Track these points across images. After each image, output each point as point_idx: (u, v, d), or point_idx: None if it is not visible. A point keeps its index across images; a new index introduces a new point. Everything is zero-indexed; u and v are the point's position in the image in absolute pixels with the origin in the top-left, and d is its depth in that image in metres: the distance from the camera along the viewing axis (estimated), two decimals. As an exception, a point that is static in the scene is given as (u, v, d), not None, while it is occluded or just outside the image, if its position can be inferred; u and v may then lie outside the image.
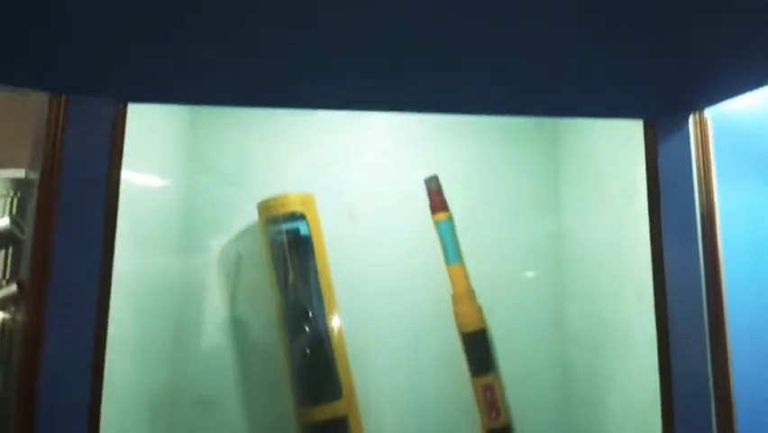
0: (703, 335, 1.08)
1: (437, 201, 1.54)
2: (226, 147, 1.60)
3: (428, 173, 1.52)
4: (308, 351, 1.37)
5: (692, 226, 1.15)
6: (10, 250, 1.05)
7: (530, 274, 1.65)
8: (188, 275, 1.53)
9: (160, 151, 1.41)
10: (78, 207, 1.01)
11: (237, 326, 1.53)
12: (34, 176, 1.11)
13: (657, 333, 1.12)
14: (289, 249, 1.41)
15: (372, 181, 1.64)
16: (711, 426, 1.03)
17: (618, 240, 1.36)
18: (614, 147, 1.39)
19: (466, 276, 1.51)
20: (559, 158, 1.70)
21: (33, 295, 0.97)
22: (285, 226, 1.42)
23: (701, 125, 1.12)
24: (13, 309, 1.02)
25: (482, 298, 1.49)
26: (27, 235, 1.06)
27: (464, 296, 1.50)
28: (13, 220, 1.10)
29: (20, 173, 1.29)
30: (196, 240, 1.55)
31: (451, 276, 1.51)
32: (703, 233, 1.13)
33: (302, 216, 1.44)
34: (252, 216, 1.49)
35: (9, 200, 1.16)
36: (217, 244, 1.56)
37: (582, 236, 1.58)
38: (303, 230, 1.44)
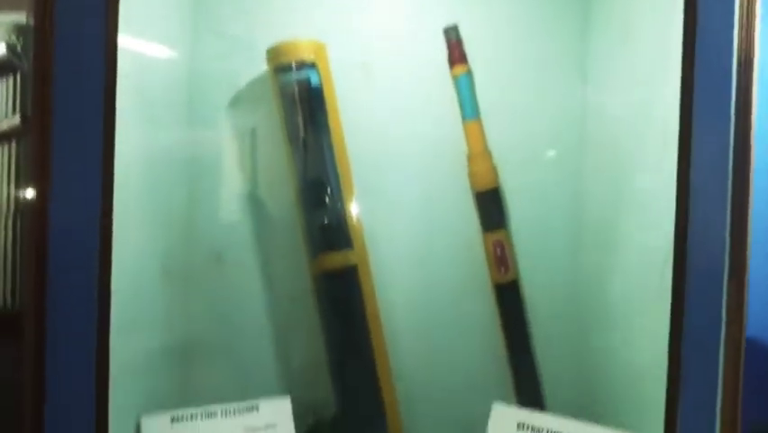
0: (725, 201, 1.05)
1: (456, 53, 1.45)
2: (233, 6, 1.51)
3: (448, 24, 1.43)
4: (319, 201, 1.38)
5: (727, 77, 1.07)
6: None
7: (550, 134, 1.59)
8: (200, 144, 1.52)
9: (160, 12, 1.34)
10: (75, 67, 0.98)
11: (250, 187, 1.54)
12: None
13: (677, 196, 1.08)
14: (300, 100, 1.38)
15: (388, 34, 1.55)
16: (722, 289, 1.03)
17: (645, 101, 1.28)
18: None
19: (482, 134, 1.46)
20: (589, 16, 1.56)
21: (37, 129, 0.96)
22: (295, 76, 1.38)
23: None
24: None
25: (498, 158, 1.46)
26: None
27: (479, 155, 1.46)
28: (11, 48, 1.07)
29: (21, 18, 1.27)
30: (205, 109, 1.51)
31: (467, 133, 1.47)
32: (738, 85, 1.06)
33: (313, 65, 1.38)
34: (264, 84, 1.44)
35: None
36: (228, 113, 1.52)
37: (608, 98, 1.49)
38: (314, 80, 1.39)
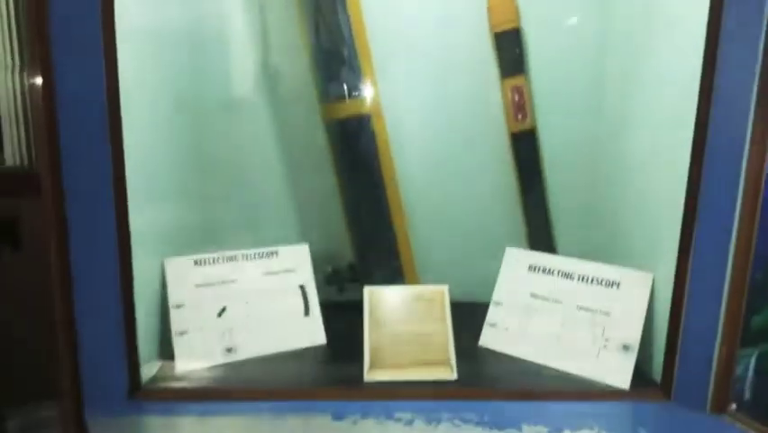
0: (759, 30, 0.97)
1: None
2: None
3: None
4: (331, 46, 1.32)
5: None
6: None
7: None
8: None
9: None
10: None
11: (262, 46, 1.46)
12: None
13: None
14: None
15: None
16: (747, 119, 0.98)
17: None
18: None
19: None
20: None
21: None
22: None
23: None
24: None
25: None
26: None
27: (500, -9, 1.37)
28: None
29: None
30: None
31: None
32: None
33: None
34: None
35: None
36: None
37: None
38: None
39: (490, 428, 0.99)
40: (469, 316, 1.31)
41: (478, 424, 1.00)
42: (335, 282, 1.47)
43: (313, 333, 1.31)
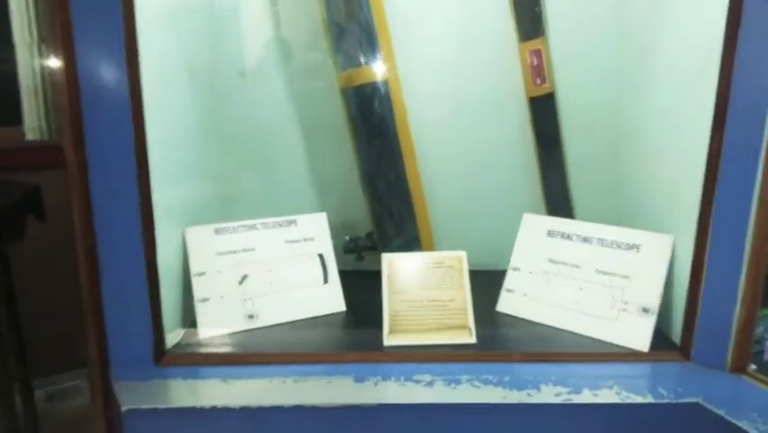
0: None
1: None
2: None
3: None
4: (346, 13, 1.31)
5: None
6: None
7: None
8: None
9: None
10: None
11: (273, 14, 1.45)
12: None
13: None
14: None
15: None
16: None
17: None
18: None
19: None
20: None
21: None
22: None
23: None
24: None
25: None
26: None
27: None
28: None
29: None
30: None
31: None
32: None
33: None
34: None
35: None
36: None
37: None
38: None
39: (510, 388, 1.00)
40: (486, 283, 1.31)
41: (497, 385, 1.02)
42: (353, 251, 1.48)
43: (332, 300, 1.33)
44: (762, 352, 1.05)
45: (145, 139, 1.03)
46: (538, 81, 1.41)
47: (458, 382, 1.02)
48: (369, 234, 1.49)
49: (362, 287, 1.40)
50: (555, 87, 1.44)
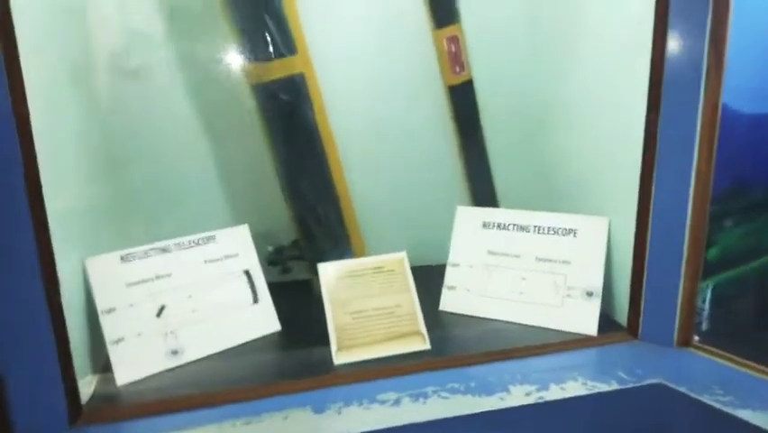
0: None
1: None
2: None
3: None
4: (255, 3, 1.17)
5: None
6: None
7: None
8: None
9: None
10: None
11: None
12: None
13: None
14: None
15: None
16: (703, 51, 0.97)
17: None
18: None
19: None
20: None
21: None
22: None
23: None
24: None
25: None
26: None
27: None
28: None
29: None
30: None
31: None
32: None
33: None
34: None
35: None
36: None
37: None
38: None
39: (479, 394, 0.95)
40: (424, 280, 1.25)
41: (465, 393, 0.96)
42: (278, 262, 1.36)
43: (265, 320, 1.20)
44: (700, 322, 1.09)
45: (36, 160, 0.84)
46: (457, 69, 1.37)
47: (425, 396, 0.95)
48: (294, 243, 1.37)
49: (293, 300, 1.29)
50: (472, 76, 1.41)
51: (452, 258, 1.30)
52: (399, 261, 1.20)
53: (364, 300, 1.15)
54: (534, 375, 1.01)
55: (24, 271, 0.84)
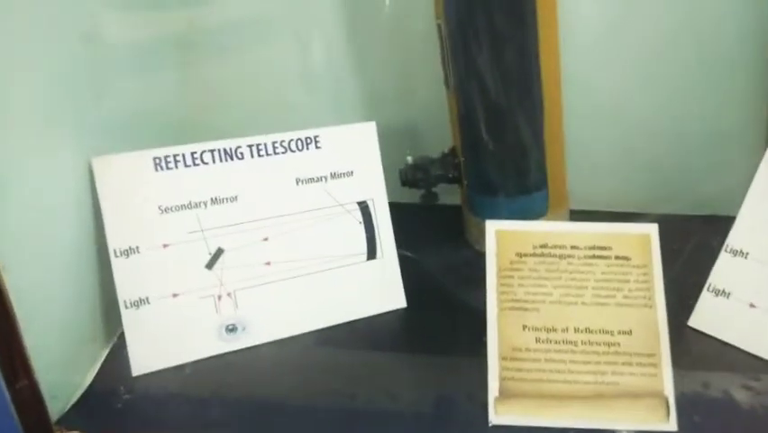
0: None
1: None
2: None
3: None
4: None
5: None
6: None
7: None
8: None
9: None
10: None
11: None
12: None
13: None
14: None
15: None
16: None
17: None
18: None
19: None
20: None
21: None
22: None
23: None
24: None
25: None
26: None
27: None
28: None
29: None
30: None
31: None
32: None
33: None
34: None
35: None
36: None
37: None
38: None
39: None
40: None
41: None
42: (419, 183, 0.83)
43: (383, 291, 0.72)
44: None
45: None
46: None
47: None
48: (448, 155, 0.83)
49: (432, 243, 0.81)
50: None
51: (733, 241, 0.69)
52: (643, 240, 0.62)
53: (563, 310, 0.61)
54: None
55: None
